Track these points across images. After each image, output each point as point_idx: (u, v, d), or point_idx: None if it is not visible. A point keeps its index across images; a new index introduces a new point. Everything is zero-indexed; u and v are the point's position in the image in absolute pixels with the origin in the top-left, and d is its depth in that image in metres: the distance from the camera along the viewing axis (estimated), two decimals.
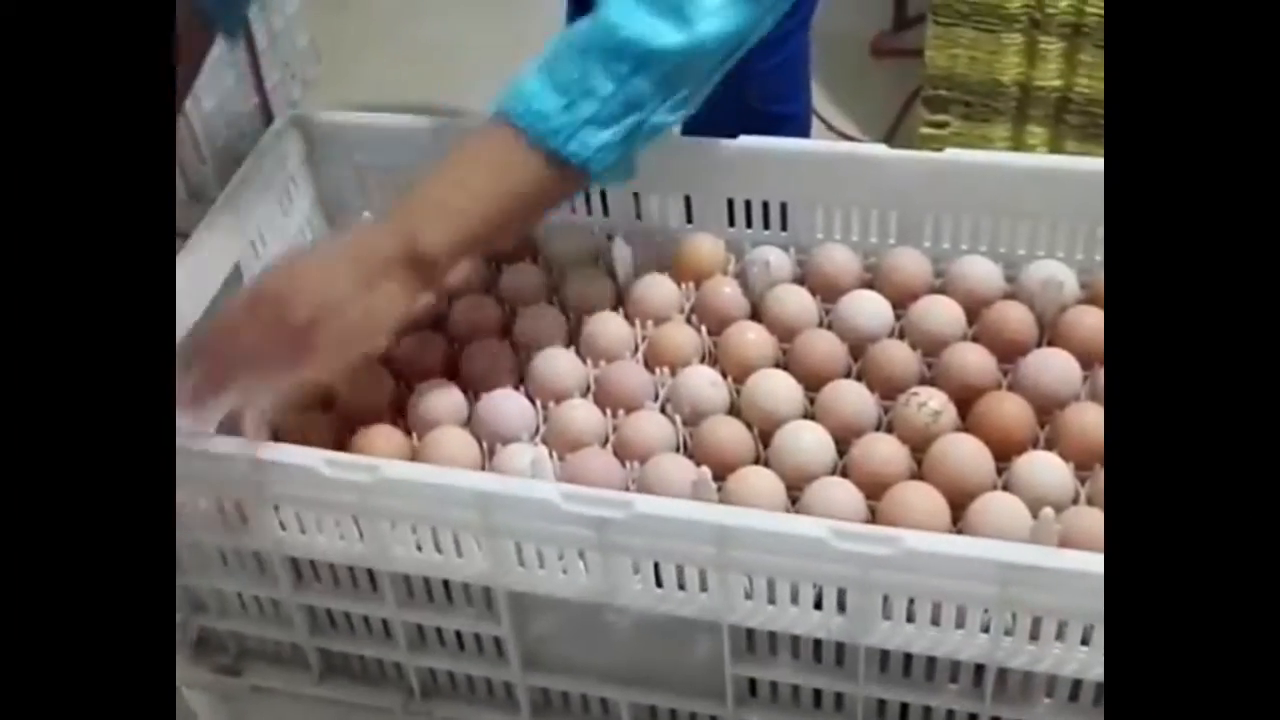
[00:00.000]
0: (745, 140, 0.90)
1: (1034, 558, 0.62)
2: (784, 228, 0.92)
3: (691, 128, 1.41)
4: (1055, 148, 1.57)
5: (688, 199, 0.93)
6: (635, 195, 0.94)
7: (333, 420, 0.82)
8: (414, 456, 0.78)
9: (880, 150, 0.88)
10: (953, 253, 0.89)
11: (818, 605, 0.67)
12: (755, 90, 1.27)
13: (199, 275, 0.85)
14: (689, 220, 0.94)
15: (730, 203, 0.92)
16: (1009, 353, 0.82)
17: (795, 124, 1.36)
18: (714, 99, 1.34)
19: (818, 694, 0.73)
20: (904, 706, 0.72)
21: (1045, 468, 0.73)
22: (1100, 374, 0.79)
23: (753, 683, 0.74)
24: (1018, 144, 1.58)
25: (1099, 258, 0.87)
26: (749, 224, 0.93)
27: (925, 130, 1.62)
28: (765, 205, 0.92)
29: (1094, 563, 0.61)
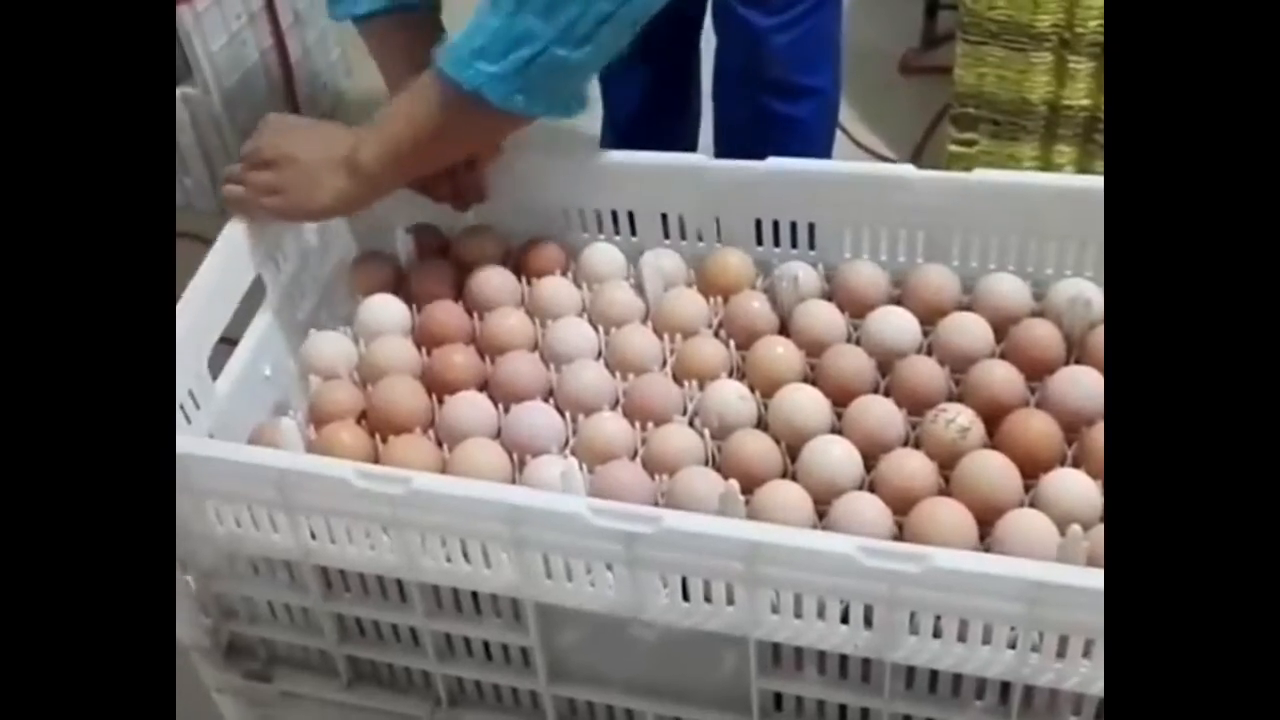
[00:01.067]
0: (773, 162, 0.90)
1: (1061, 576, 0.62)
2: (812, 247, 0.93)
3: (716, 107, 1.42)
4: (1084, 167, 1.56)
5: (717, 220, 0.94)
6: (663, 216, 0.95)
7: (365, 431, 0.83)
8: (444, 468, 0.79)
9: (909, 171, 0.89)
10: (980, 271, 0.90)
11: (844, 620, 0.67)
12: (777, 61, 1.29)
13: (221, 285, 0.86)
14: (718, 240, 0.94)
15: (758, 223, 0.93)
16: (1036, 370, 0.82)
17: (822, 99, 1.35)
18: (735, 72, 1.36)
19: (843, 709, 0.73)
20: None
21: (1072, 485, 0.73)
22: None
23: (778, 697, 0.74)
24: (1046, 163, 1.58)
25: None
26: (777, 244, 0.93)
27: (953, 148, 1.62)
28: (793, 226, 0.92)
29: None
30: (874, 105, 1.87)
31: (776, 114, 1.32)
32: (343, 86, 1.97)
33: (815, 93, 1.34)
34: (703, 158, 0.93)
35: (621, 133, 1.49)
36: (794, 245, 0.93)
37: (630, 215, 0.96)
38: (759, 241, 0.93)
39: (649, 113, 1.48)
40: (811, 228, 0.92)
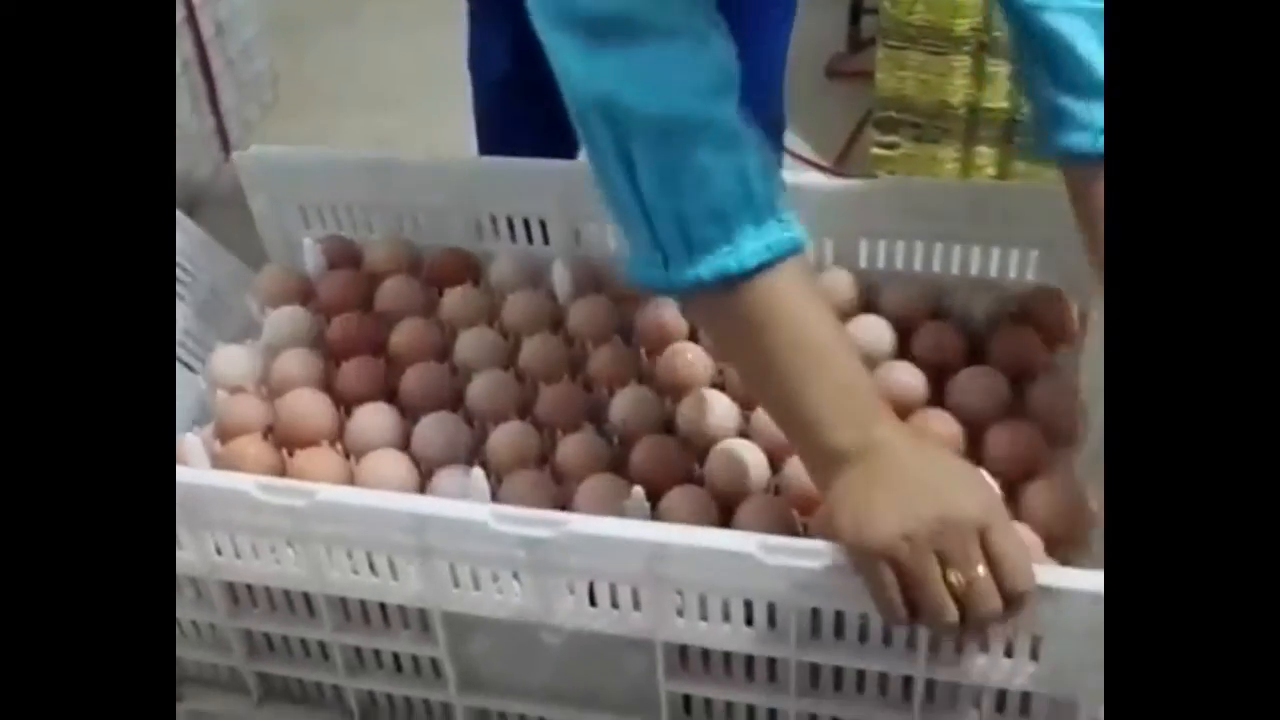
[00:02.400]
0: None
1: None
2: None
3: None
4: (1004, 168, 1.58)
5: None
6: (574, 224, 0.95)
7: (272, 444, 0.82)
8: (352, 479, 0.79)
9: (814, 178, 0.90)
10: (886, 274, 0.91)
11: (749, 622, 0.68)
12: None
13: None
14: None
15: None
16: (939, 371, 0.83)
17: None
18: None
19: (751, 709, 0.73)
20: None
21: None
22: (1028, 391, 0.80)
23: (687, 699, 0.74)
24: (967, 165, 1.60)
25: (1030, 278, 0.89)
26: None
27: (876, 151, 1.63)
28: None
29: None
30: (801, 109, 1.87)
31: None
32: (267, 98, 1.96)
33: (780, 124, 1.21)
34: None
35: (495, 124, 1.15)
36: None
37: (542, 223, 0.96)
38: None
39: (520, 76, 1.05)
40: None
